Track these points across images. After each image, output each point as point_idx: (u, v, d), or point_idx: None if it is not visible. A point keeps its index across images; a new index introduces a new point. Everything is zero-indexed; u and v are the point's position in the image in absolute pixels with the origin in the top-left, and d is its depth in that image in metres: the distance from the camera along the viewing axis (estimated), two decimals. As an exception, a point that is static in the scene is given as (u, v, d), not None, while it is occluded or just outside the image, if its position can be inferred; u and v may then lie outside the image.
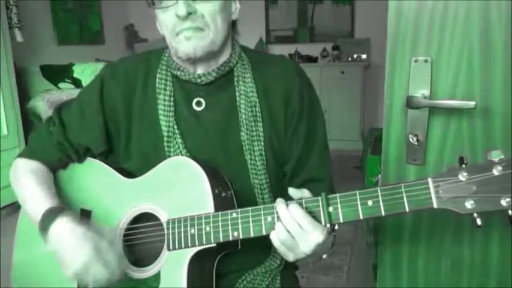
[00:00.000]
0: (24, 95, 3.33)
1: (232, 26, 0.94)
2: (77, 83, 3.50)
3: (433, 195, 0.67)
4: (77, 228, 0.83)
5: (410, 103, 0.96)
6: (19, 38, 3.40)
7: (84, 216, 0.95)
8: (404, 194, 0.69)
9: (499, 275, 1.01)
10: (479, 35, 0.91)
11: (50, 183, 0.95)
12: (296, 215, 0.74)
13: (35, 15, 3.84)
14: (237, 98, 0.92)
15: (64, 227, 0.83)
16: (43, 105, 3.20)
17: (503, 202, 0.63)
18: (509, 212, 0.63)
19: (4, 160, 2.82)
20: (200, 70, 0.91)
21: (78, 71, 3.51)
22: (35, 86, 3.49)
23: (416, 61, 0.96)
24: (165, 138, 0.93)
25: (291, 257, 0.78)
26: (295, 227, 0.74)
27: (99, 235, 0.84)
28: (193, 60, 0.88)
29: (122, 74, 0.97)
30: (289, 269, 1.06)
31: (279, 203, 0.76)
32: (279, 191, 0.95)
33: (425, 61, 0.96)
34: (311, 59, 4.74)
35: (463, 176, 0.65)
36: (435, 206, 0.67)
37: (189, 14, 0.82)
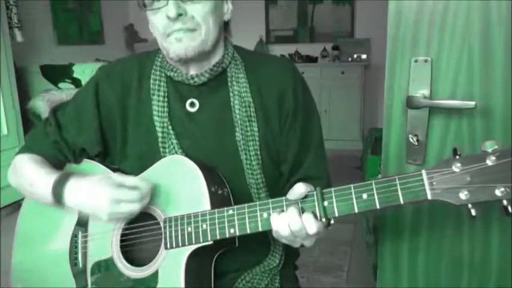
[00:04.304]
0: (24, 95, 3.33)
1: (225, 26, 0.94)
2: (76, 83, 3.50)
3: (427, 187, 0.67)
4: (87, 180, 0.86)
5: (410, 103, 0.96)
6: (19, 38, 3.40)
7: (82, 218, 0.95)
8: (398, 187, 0.69)
9: (499, 275, 1.01)
10: (479, 35, 0.91)
11: (50, 166, 0.96)
12: (308, 226, 0.74)
13: (35, 15, 3.84)
14: (231, 99, 0.93)
15: (76, 187, 0.87)
16: (43, 105, 3.21)
17: (498, 192, 0.62)
18: (504, 202, 0.62)
19: (4, 160, 2.81)
20: (193, 71, 0.91)
21: (78, 71, 3.51)
22: (35, 86, 3.49)
23: (416, 61, 0.96)
24: (160, 139, 0.93)
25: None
26: (302, 232, 0.74)
27: (110, 176, 0.86)
28: (185, 61, 0.88)
29: (116, 75, 0.97)
30: (288, 268, 1.06)
31: (292, 209, 0.75)
32: (275, 190, 0.95)
33: (425, 61, 0.96)
34: (311, 59, 4.74)
35: (456, 167, 0.65)
36: (429, 197, 0.67)
37: (180, 15, 0.82)
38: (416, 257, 1.08)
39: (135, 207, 0.82)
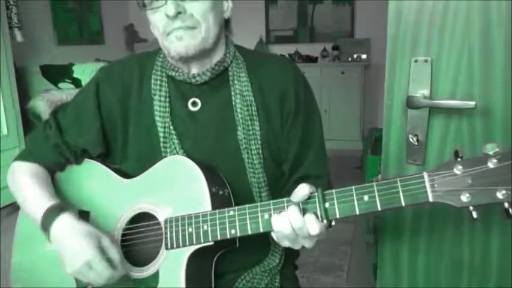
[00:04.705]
0: (24, 95, 3.34)
1: (226, 24, 0.94)
2: (76, 83, 3.50)
3: (428, 189, 0.67)
4: (78, 226, 0.84)
5: (410, 103, 0.96)
6: (19, 38, 3.40)
7: (83, 217, 0.95)
8: (400, 189, 0.69)
9: (499, 276, 1.01)
10: (479, 35, 0.91)
11: (48, 183, 0.95)
12: (309, 224, 0.73)
13: (35, 15, 3.84)
14: (233, 98, 0.93)
15: (65, 226, 0.84)
16: (43, 105, 3.21)
17: (499, 195, 0.62)
18: (505, 204, 0.62)
19: (4, 160, 2.82)
20: (194, 70, 0.91)
21: (78, 71, 3.51)
22: (35, 86, 3.49)
23: (416, 61, 0.96)
24: (161, 139, 0.93)
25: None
26: (303, 230, 0.74)
27: (101, 233, 0.84)
28: (186, 59, 0.88)
29: (117, 76, 0.97)
30: (288, 268, 1.06)
31: (293, 207, 0.74)
32: (277, 190, 0.95)
33: (425, 61, 0.96)
34: (311, 59, 4.75)
35: (458, 170, 0.65)
36: (431, 199, 0.67)
37: (179, 13, 0.82)
38: (416, 257, 1.08)
39: (100, 281, 0.81)
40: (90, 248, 0.80)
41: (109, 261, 0.82)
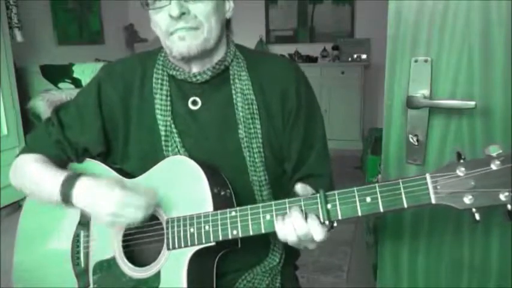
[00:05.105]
0: (24, 95, 3.34)
1: (227, 24, 0.95)
2: (77, 83, 3.50)
3: (431, 191, 0.67)
4: (99, 179, 0.85)
5: (410, 103, 0.96)
6: (19, 38, 3.40)
7: (84, 217, 0.95)
8: (402, 190, 0.69)
9: (499, 275, 1.01)
10: (479, 35, 0.91)
11: (54, 164, 0.94)
12: (313, 231, 0.74)
13: (35, 15, 3.84)
14: (234, 96, 0.93)
15: (86, 185, 0.85)
16: (43, 105, 3.21)
17: (502, 196, 0.62)
18: (508, 206, 0.62)
19: (4, 160, 2.81)
20: (195, 69, 0.92)
21: (78, 71, 3.51)
22: (35, 86, 3.49)
23: (416, 61, 0.96)
24: (163, 138, 0.93)
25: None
26: (308, 236, 0.75)
27: (123, 179, 0.86)
28: (188, 59, 0.88)
29: (118, 75, 0.97)
30: (289, 268, 1.06)
31: (296, 214, 0.75)
32: (278, 188, 0.95)
33: (425, 61, 0.96)
34: (311, 59, 4.74)
35: (461, 171, 0.65)
36: (433, 201, 0.67)
37: (182, 14, 0.83)
38: (416, 257, 1.08)
39: (138, 215, 0.81)
40: (116, 190, 0.81)
41: (138, 199, 0.82)
